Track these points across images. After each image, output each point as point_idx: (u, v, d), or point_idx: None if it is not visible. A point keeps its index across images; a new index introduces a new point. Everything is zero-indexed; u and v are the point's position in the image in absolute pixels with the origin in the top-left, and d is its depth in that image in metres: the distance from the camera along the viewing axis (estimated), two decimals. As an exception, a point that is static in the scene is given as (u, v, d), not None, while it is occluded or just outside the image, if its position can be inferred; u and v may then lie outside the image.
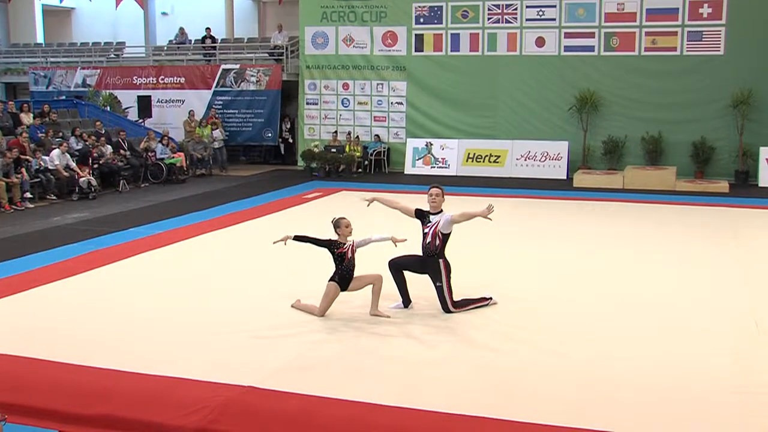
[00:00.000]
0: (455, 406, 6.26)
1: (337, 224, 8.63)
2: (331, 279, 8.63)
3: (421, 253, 8.83)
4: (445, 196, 8.86)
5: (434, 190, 8.78)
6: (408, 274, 8.96)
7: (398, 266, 8.85)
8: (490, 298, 9.11)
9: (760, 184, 19.54)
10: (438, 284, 8.75)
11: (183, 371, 7.03)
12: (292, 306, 8.97)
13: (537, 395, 6.63)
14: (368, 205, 9.24)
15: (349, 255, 8.58)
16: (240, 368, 7.12)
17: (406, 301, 8.95)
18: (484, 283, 9.90)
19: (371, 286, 8.63)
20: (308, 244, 8.61)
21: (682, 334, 8.26)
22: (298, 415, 6.24)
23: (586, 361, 7.43)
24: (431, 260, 8.72)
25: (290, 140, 24.66)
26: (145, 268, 11.25)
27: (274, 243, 8.73)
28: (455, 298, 8.80)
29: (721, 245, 12.81)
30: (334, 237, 8.62)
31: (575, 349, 7.74)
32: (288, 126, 24.47)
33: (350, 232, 8.61)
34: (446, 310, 8.75)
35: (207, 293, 9.82)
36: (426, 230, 8.71)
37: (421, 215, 8.83)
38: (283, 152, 24.60)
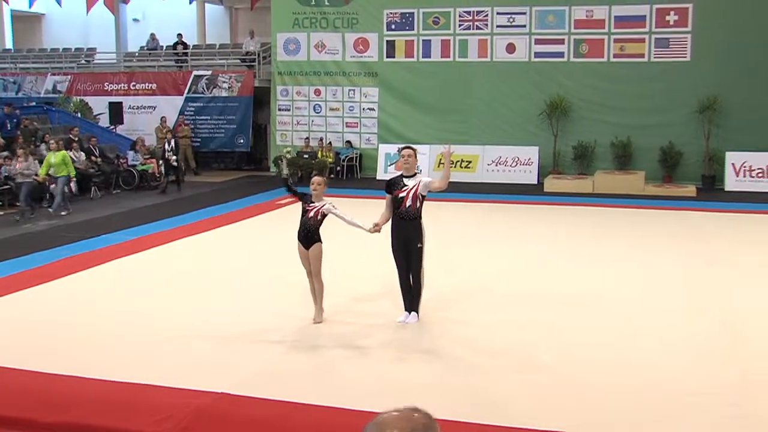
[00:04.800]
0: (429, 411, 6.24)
1: (310, 182, 8.87)
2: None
3: (397, 223, 8.61)
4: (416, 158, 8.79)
5: (406, 151, 8.69)
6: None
7: (406, 282, 8.66)
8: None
9: (726, 188, 19.72)
10: (419, 245, 8.55)
11: (153, 377, 7.01)
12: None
13: (506, 398, 6.71)
14: (378, 231, 8.81)
15: (311, 214, 8.60)
16: (212, 374, 7.10)
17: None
18: (456, 286, 9.98)
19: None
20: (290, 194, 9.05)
21: (649, 334, 8.38)
22: (270, 421, 6.25)
23: (556, 361, 7.53)
24: (413, 223, 8.51)
25: (174, 163, 20.30)
26: (116, 275, 11.20)
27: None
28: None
29: (688, 248, 12.95)
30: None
31: (543, 351, 7.85)
32: (171, 146, 20.26)
33: (320, 191, 8.69)
34: (416, 275, 8.62)
35: (178, 299, 9.82)
36: (402, 194, 8.47)
37: (392, 184, 8.64)
38: (163, 174, 20.51)
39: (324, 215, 8.62)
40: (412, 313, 8.70)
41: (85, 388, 6.84)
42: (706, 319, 9.02)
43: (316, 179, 8.80)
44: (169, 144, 20.07)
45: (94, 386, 6.87)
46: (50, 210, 16.25)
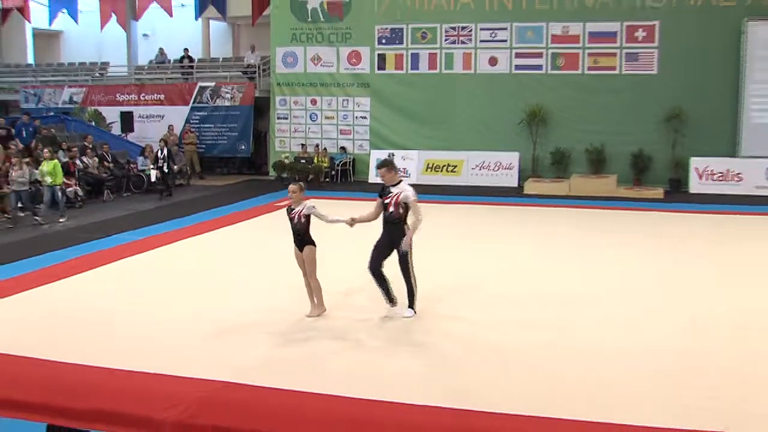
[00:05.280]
0: (424, 399, 6.44)
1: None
2: None
3: (385, 225, 8.91)
4: (395, 171, 8.92)
5: (381, 170, 9.01)
6: (392, 273, 9.01)
7: (377, 269, 8.90)
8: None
9: (691, 191, 19.87)
10: (404, 252, 8.78)
11: (163, 368, 7.13)
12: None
13: (488, 384, 6.92)
14: (351, 225, 9.15)
15: (295, 219, 8.86)
16: (217, 365, 7.23)
17: (392, 301, 9.05)
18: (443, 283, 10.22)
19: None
20: None
21: (620, 329, 8.49)
22: (269, 408, 6.37)
23: (530, 348, 7.77)
24: (397, 226, 8.79)
25: (165, 169, 19.83)
26: (125, 273, 11.30)
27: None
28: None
29: (657, 245, 13.16)
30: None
31: (519, 341, 8.09)
32: (164, 154, 19.77)
33: (296, 197, 8.88)
34: (406, 278, 8.89)
35: (187, 295, 9.95)
36: (387, 201, 8.80)
37: (382, 190, 8.91)
38: (153, 180, 20.01)
39: (307, 216, 8.83)
40: (410, 309, 8.99)
41: (102, 377, 6.96)
42: (675, 309, 9.22)
43: (290, 187, 8.98)
44: (162, 152, 19.67)
45: (110, 376, 6.99)
46: (36, 218, 15.74)
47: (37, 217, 15.78)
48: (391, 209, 8.78)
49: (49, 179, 15.87)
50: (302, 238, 8.85)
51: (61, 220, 15.83)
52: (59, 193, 16.14)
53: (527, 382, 6.93)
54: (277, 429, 6.04)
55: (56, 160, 16.49)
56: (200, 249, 13.09)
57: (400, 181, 8.98)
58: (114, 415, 6.27)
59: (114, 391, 6.64)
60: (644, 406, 6.35)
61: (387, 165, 8.99)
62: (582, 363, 7.46)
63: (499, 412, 6.21)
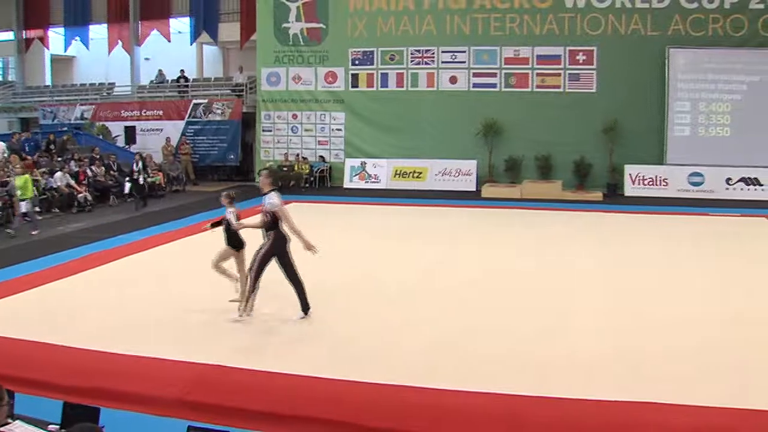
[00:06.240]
0: (387, 378, 6.56)
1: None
2: None
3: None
4: (268, 179, 8.62)
5: (260, 176, 8.78)
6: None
7: (262, 269, 8.40)
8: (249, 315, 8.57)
9: (626, 194, 20.13)
10: (259, 248, 8.41)
11: (161, 352, 7.18)
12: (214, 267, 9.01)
13: (457, 362, 7.10)
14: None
15: (225, 224, 8.88)
16: (208, 349, 7.30)
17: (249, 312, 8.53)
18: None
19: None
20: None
21: (567, 319, 8.56)
22: (254, 386, 6.47)
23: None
24: (266, 233, 8.37)
25: (140, 180, 18.77)
26: (133, 268, 11.33)
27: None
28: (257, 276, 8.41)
29: (597, 240, 13.44)
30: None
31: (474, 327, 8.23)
32: (139, 167, 18.84)
33: (226, 203, 8.93)
34: (250, 269, 8.45)
35: (183, 287, 9.98)
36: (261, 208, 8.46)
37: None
38: (127, 191, 18.96)
39: (228, 221, 8.81)
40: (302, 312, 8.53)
41: (107, 361, 7.00)
42: (612, 294, 9.45)
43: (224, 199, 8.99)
44: (137, 165, 18.74)
45: (114, 360, 7.03)
46: (9, 231, 14.40)
47: (9, 230, 14.54)
48: (261, 216, 8.38)
49: (19, 192, 14.69)
50: (230, 239, 8.83)
51: (33, 232, 14.47)
52: (30, 206, 14.85)
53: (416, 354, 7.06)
54: (253, 404, 6.15)
55: (27, 175, 15.27)
56: (198, 246, 12.87)
57: (272, 190, 8.45)
58: (118, 393, 6.33)
59: (118, 372, 6.70)
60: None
61: (264, 172, 8.55)
62: (511, 340, 7.62)
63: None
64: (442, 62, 22.17)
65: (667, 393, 6.10)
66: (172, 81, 26.11)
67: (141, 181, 18.76)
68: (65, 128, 23.89)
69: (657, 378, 6.55)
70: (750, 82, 19.87)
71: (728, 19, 19.90)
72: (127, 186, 18.90)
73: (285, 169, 22.35)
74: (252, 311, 8.51)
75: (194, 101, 24.60)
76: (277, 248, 8.33)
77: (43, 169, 18.05)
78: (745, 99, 19.90)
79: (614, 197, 19.79)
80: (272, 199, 8.33)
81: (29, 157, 18.82)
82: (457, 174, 21.87)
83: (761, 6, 19.75)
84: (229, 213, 8.86)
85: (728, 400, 5.96)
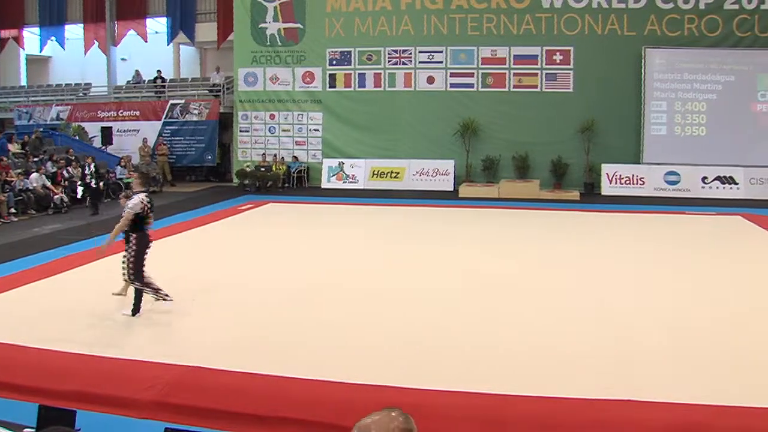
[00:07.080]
0: (367, 378, 6.54)
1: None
2: None
3: None
4: (138, 180, 8.73)
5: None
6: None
7: (141, 271, 8.52)
8: (171, 299, 8.82)
9: (603, 193, 20.25)
10: (126, 254, 8.49)
11: (138, 354, 7.14)
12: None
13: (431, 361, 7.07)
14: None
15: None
16: (185, 351, 7.25)
17: (163, 298, 8.71)
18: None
19: None
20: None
21: (536, 311, 8.73)
22: (233, 387, 6.41)
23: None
24: (127, 235, 8.45)
25: (93, 185, 18.06)
26: (109, 270, 11.05)
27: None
28: (147, 277, 8.55)
29: (575, 239, 13.52)
30: None
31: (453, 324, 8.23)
32: (91, 170, 18.29)
33: (123, 203, 8.84)
34: (128, 278, 8.52)
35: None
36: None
37: None
38: (80, 196, 18.52)
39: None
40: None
41: (83, 363, 6.91)
42: (589, 293, 9.49)
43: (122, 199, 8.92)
44: (89, 168, 18.29)
45: (90, 362, 6.94)
46: None
47: None
48: (123, 219, 8.43)
49: None
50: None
51: None
52: None
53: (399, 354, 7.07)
54: (231, 406, 6.12)
55: None
56: (174, 248, 12.83)
57: (141, 191, 8.52)
58: (95, 396, 6.25)
59: (94, 375, 6.61)
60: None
61: (135, 173, 8.56)
62: (503, 336, 7.64)
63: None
64: (420, 62, 22.20)
65: (645, 390, 6.15)
66: (149, 81, 25.94)
67: (94, 185, 18.10)
68: (41, 129, 23.61)
69: (635, 376, 6.61)
70: (725, 81, 20.12)
71: (703, 20, 20.16)
72: (80, 191, 18.40)
73: (262, 169, 22.26)
74: (168, 294, 8.74)
75: (171, 102, 24.42)
76: (143, 244, 8.50)
77: (19, 170, 17.79)
78: (721, 98, 20.14)
79: (591, 196, 19.89)
80: (134, 200, 8.40)
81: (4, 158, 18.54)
82: (434, 174, 21.89)
83: (736, 6, 20.03)
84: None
85: (705, 397, 6.02)
